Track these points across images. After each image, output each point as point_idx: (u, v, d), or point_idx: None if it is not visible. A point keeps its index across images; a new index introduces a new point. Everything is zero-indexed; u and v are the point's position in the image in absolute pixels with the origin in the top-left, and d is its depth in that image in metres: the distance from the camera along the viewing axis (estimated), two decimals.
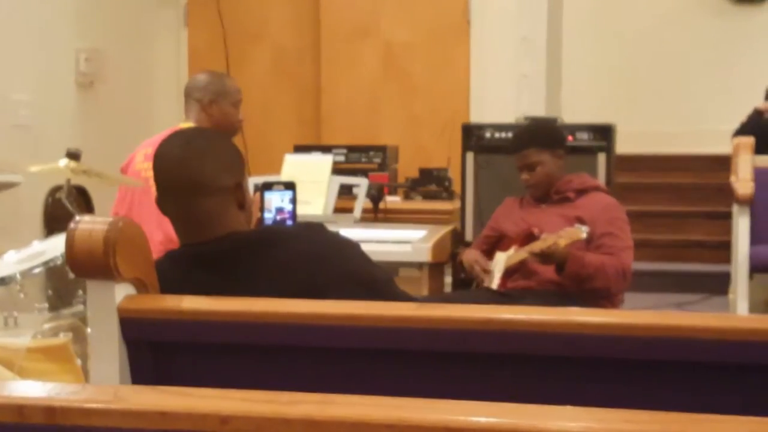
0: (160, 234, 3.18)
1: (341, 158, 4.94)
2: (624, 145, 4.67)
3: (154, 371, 1.78)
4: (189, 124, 3.62)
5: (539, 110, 5.91)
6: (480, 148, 4.33)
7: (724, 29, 8.02)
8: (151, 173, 3.53)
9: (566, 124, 4.23)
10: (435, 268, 4.08)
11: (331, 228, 2.13)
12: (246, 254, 1.99)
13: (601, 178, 4.06)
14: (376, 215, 4.48)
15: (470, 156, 4.35)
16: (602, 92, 7.96)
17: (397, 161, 5.29)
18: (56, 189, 4.86)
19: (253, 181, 3.87)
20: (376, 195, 4.46)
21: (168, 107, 5.93)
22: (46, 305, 3.09)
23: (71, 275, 2.97)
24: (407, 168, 5.32)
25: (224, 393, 1.23)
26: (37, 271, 3.08)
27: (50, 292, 3.13)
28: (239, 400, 1.20)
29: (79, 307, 3.08)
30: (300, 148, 4.89)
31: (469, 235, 4.28)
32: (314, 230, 2.06)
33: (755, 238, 4.96)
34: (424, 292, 3.93)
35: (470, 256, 3.85)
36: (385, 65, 6.00)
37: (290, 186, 2.68)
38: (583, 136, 4.18)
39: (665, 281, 6.20)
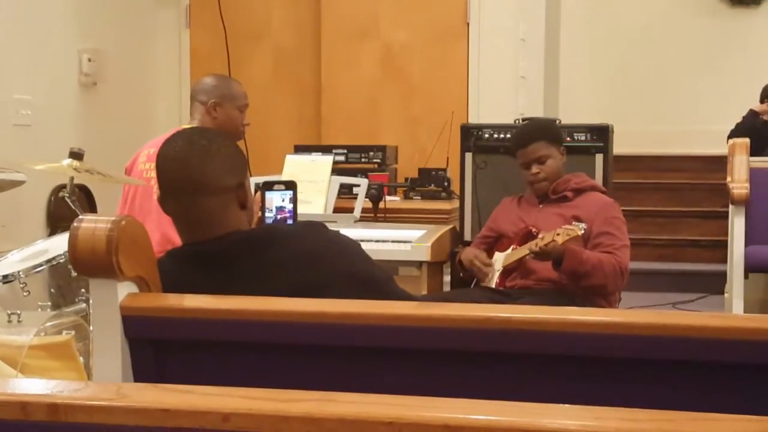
0: (158, 234, 3.18)
1: (341, 158, 4.95)
2: (621, 146, 4.68)
3: (156, 369, 1.78)
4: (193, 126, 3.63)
5: (537, 111, 5.92)
6: (478, 149, 4.34)
7: (720, 31, 8.03)
8: (153, 174, 3.55)
9: (564, 124, 4.25)
10: (434, 268, 4.08)
11: (331, 227, 2.13)
12: (247, 253, 1.99)
13: (598, 179, 4.07)
14: (375, 215, 4.49)
15: (469, 156, 4.36)
16: (599, 93, 7.97)
17: (396, 161, 5.30)
18: (59, 188, 4.86)
19: (253, 181, 3.89)
20: (375, 195, 4.47)
21: (170, 108, 5.94)
22: (49, 303, 3.10)
23: (74, 273, 2.99)
24: (406, 168, 5.33)
25: (226, 390, 1.23)
26: (40, 269, 3.09)
27: (53, 290, 3.14)
28: (240, 397, 1.20)
29: (82, 305, 3.09)
30: (300, 149, 4.90)
31: (467, 235, 4.30)
32: (314, 229, 2.07)
33: (750, 239, 4.98)
34: (423, 291, 3.94)
35: (469, 253, 3.86)
36: (384, 66, 6.01)
37: (291, 185, 2.68)
38: (581, 137, 4.20)
39: (661, 281, 6.21)
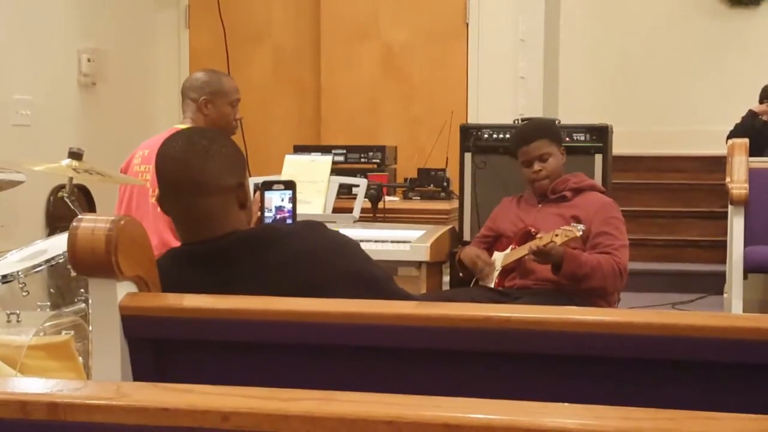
0: (155, 239, 3.18)
1: (341, 158, 4.95)
2: (620, 146, 4.68)
3: (156, 369, 1.78)
4: (186, 124, 3.63)
5: (536, 111, 5.93)
6: (478, 149, 4.34)
7: (719, 32, 8.04)
8: (148, 176, 3.55)
9: (563, 124, 4.25)
10: (433, 268, 4.08)
11: (331, 227, 2.14)
12: (246, 252, 1.99)
13: (597, 179, 4.07)
14: (375, 215, 4.49)
15: (468, 156, 4.36)
16: (598, 93, 7.98)
17: (395, 161, 5.30)
18: (58, 188, 4.86)
19: (253, 181, 3.89)
20: (375, 195, 4.47)
21: (169, 108, 5.94)
22: (49, 303, 3.09)
23: (73, 273, 2.98)
24: (406, 168, 5.34)
25: (225, 390, 1.23)
26: (39, 269, 3.09)
27: (52, 290, 3.14)
28: (240, 396, 1.20)
29: (81, 305, 3.09)
30: (300, 149, 4.90)
31: (467, 235, 4.30)
32: (314, 228, 2.07)
33: (750, 239, 4.98)
34: (423, 291, 3.93)
35: (471, 252, 3.86)
36: (384, 66, 6.01)
37: (290, 185, 2.68)
38: (580, 137, 4.20)
39: (660, 281, 6.22)
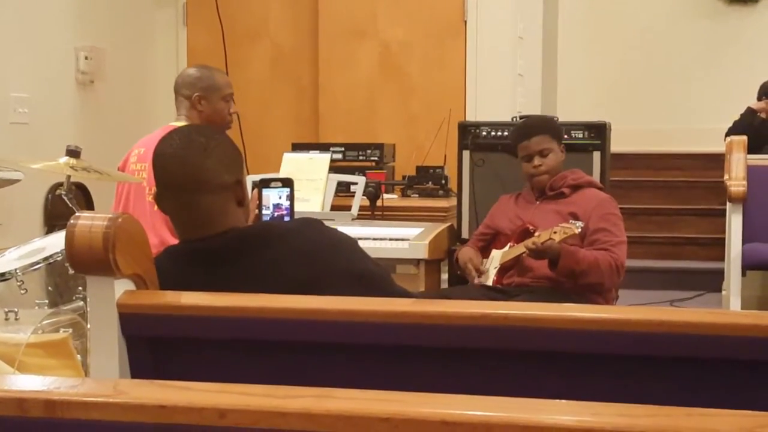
0: (153, 237, 3.18)
1: (339, 156, 4.96)
2: (618, 144, 4.68)
3: (153, 366, 1.78)
4: (181, 122, 3.62)
5: (535, 109, 5.93)
6: (476, 147, 4.35)
7: (717, 29, 8.04)
8: (145, 174, 3.55)
9: (561, 122, 4.25)
10: (431, 265, 4.09)
11: (329, 225, 2.13)
12: (243, 250, 1.99)
13: (595, 176, 4.07)
14: (373, 213, 4.49)
15: (466, 154, 4.36)
16: (596, 91, 7.98)
17: (394, 159, 5.30)
18: (56, 186, 4.87)
19: (250, 179, 3.89)
20: (373, 193, 4.47)
21: (167, 106, 5.90)
22: (47, 301, 3.09)
23: (71, 271, 2.98)
24: (404, 166, 5.34)
25: (222, 387, 1.23)
26: (37, 267, 3.08)
27: (50, 288, 3.14)
28: (237, 394, 1.20)
29: (79, 303, 3.09)
30: (298, 147, 4.90)
31: (465, 233, 4.30)
32: (311, 226, 2.07)
33: (748, 236, 4.98)
34: (421, 288, 3.94)
35: (465, 254, 3.87)
36: (382, 64, 6.01)
37: (287, 183, 2.68)
38: (578, 135, 4.20)
39: (659, 278, 6.22)
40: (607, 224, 3.60)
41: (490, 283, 3.73)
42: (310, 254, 1.99)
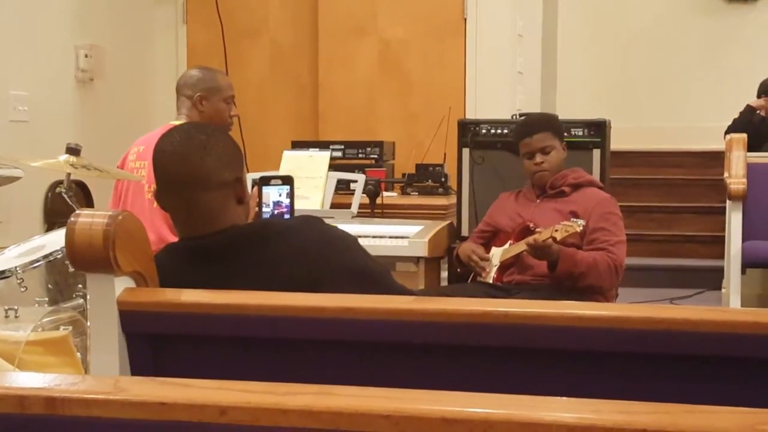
0: (152, 234, 3.18)
1: (338, 154, 4.96)
2: (618, 141, 4.68)
3: (154, 363, 1.78)
4: (182, 121, 3.62)
5: (534, 106, 5.93)
6: (476, 144, 4.34)
7: (716, 27, 8.03)
8: (144, 172, 3.55)
9: (561, 119, 4.24)
10: (431, 263, 4.09)
11: (329, 223, 2.13)
12: (243, 247, 1.99)
13: (595, 174, 4.07)
14: (373, 210, 4.49)
15: (466, 152, 4.36)
16: (596, 89, 7.98)
17: (393, 157, 5.30)
18: (56, 184, 4.87)
19: (250, 177, 3.89)
20: (373, 190, 4.47)
21: (166, 104, 5.91)
22: (47, 299, 3.09)
23: (71, 269, 2.98)
24: (404, 164, 5.34)
25: (223, 384, 1.22)
26: (37, 265, 3.08)
27: (50, 285, 3.13)
28: (237, 391, 1.20)
29: (79, 301, 3.09)
30: (298, 144, 4.90)
31: (465, 230, 4.30)
32: (311, 223, 2.06)
33: (748, 234, 4.98)
34: (421, 286, 3.94)
35: (466, 248, 3.87)
36: (381, 62, 6.01)
37: (287, 180, 2.68)
38: (578, 132, 4.20)
39: (658, 276, 6.22)
40: (607, 224, 3.60)
41: (490, 280, 3.73)
42: (310, 252, 1.99)
